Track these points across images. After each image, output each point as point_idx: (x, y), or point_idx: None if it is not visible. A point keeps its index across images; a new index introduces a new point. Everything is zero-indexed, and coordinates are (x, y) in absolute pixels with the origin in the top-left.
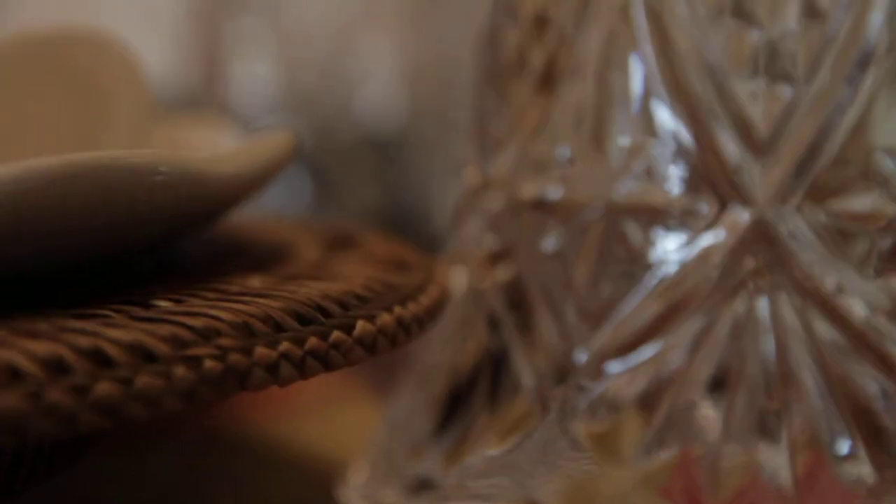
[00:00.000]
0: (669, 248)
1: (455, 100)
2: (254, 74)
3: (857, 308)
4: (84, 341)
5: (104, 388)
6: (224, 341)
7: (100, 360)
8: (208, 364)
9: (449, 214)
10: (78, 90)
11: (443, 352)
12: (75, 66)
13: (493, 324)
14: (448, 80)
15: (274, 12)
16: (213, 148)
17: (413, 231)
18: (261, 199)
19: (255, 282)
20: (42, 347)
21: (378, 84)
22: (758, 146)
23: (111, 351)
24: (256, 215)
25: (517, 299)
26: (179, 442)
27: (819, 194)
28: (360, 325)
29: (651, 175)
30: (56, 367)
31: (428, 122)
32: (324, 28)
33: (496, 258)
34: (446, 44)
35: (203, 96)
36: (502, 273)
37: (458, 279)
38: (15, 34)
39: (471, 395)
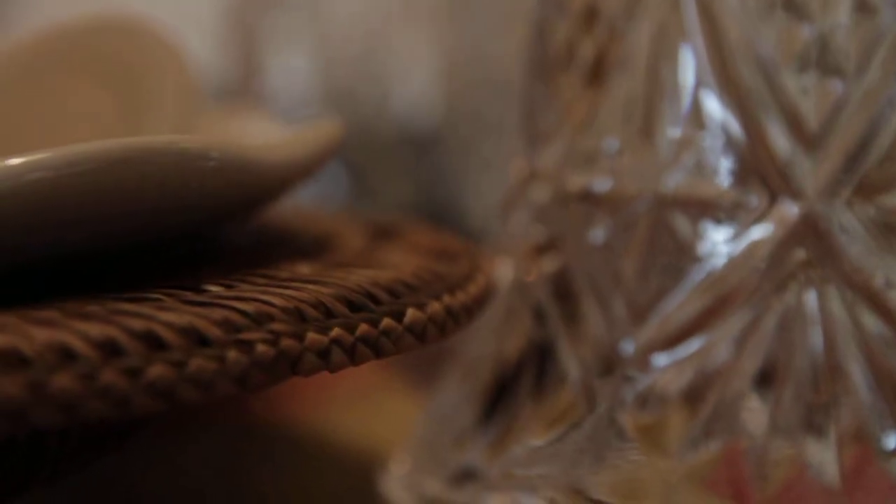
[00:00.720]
0: (718, 241)
1: (490, 97)
2: (290, 70)
3: None
4: (137, 324)
5: (157, 370)
6: (276, 326)
7: (153, 342)
8: (261, 348)
9: (483, 212)
10: (119, 77)
11: (489, 342)
12: (117, 54)
13: (540, 315)
14: (483, 77)
15: (311, 8)
16: (258, 138)
17: (447, 227)
18: (298, 193)
19: (305, 269)
20: (95, 329)
21: (414, 81)
22: (808, 140)
23: (164, 334)
24: (299, 206)
25: (564, 291)
26: (220, 432)
27: (868, 189)
28: (411, 313)
29: (700, 168)
30: (109, 350)
31: (463, 120)
32: (360, 24)
33: (543, 249)
34: (482, 41)
35: (240, 92)
36: (549, 264)
37: (504, 270)
38: (55, 24)
39: (516, 386)
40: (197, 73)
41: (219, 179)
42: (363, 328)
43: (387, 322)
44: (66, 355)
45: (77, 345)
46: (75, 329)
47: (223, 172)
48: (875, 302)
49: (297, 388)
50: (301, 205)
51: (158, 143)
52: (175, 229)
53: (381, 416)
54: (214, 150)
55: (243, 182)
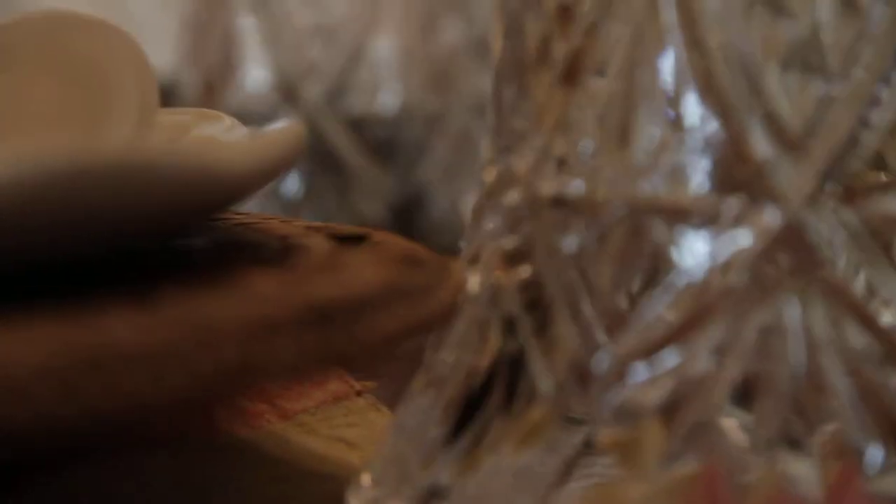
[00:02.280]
0: (696, 249)
1: (457, 102)
2: (255, 76)
3: (889, 314)
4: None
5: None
6: (240, 336)
7: None
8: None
9: (453, 216)
10: (81, 73)
11: (457, 353)
12: (76, 48)
13: (510, 325)
14: (452, 81)
15: (278, 13)
16: (218, 140)
17: (412, 232)
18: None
19: (268, 277)
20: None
21: (382, 85)
22: (790, 143)
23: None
24: (263, 212)
25: (535, 300)
26: (187, 446)
27: (853, 194)
28: (376, 324)
29: (678, 172)
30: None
31: (427, 124)
32: (330, 29)
33: (514, 257)
34: (452, 47)
35: (204, 102)
36: (520, 272)
37: (474, 278)
38: (15, 17)
39: (486, 400)
40: (153, 68)
41: (177, 185)
42: (327, 339)
43: (351, 333)
44: None
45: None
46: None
47: (182, 179)
48: (858, 313)
49: (265, 402)
50: (265, 210)
51: (112, 153)
52: (133, 236)
53: (350, 429)
54: (172, 156)
55: (203, 187)
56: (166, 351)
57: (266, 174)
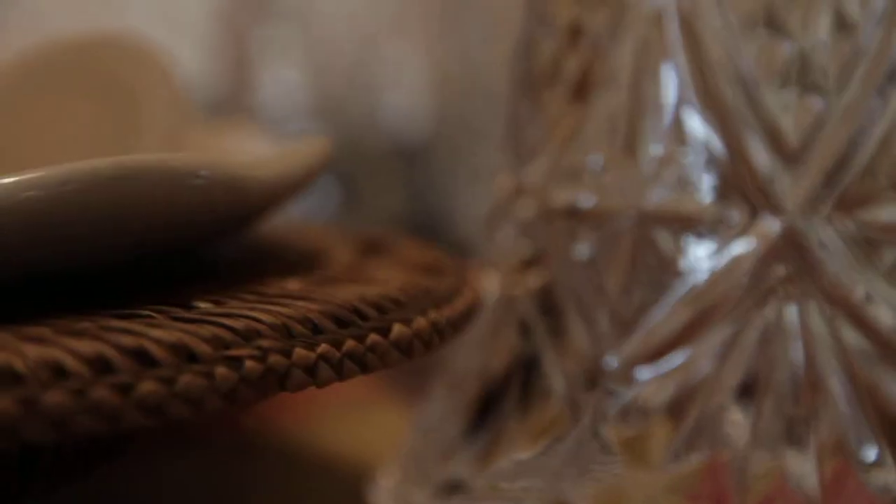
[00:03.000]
0: (700, 256)
1: (480, 108)
2: (281, 81)
3: (884, 317)
4: (127, 340)
5: (147, 386)
6: (264, 342)
7: (143, 359)
8: (249, 364)
9: (474, 222)
10: (110, 94)
11: (475, 356)
12: (106, 69)
13: (525, 329)
14: (473, 88)
15: (301, 19)
16: (246, 153)
17: (438, 239)
18: (288, 206)
19: (293, 284)
20: (86, 346)
21: (404, 92)
22: (788, 156)
23: (154, 350)
24: (289, 221)
25: (549, 305)
26: (208, 446)
27: (848, 204)
28: (397, 329)
29: (682, 183)
30: (100, 366)
31: (453, 130)
32: (351, 35)
33: (528, 264)
34: (473, 51)
35: (231, 103)
36: (534, 279)
37: (490, 285)
38: (45, 39)
39: (502, 400)
40: (187, 87)
41: (208, 197)
42: (350, 344)
43: (373, 338)
44: (58, 372)
45: (68, 361)
46: (66, 346)
47: (213, 190)
48: (854, 316)
49: (286, 403)
50: (291, 219)
51: (148, 162)
52: (166, 246)
53: (370, 429)
54: (204, 169)
55: (233, 200)
56: (188, 358)
57: (293, 187)
